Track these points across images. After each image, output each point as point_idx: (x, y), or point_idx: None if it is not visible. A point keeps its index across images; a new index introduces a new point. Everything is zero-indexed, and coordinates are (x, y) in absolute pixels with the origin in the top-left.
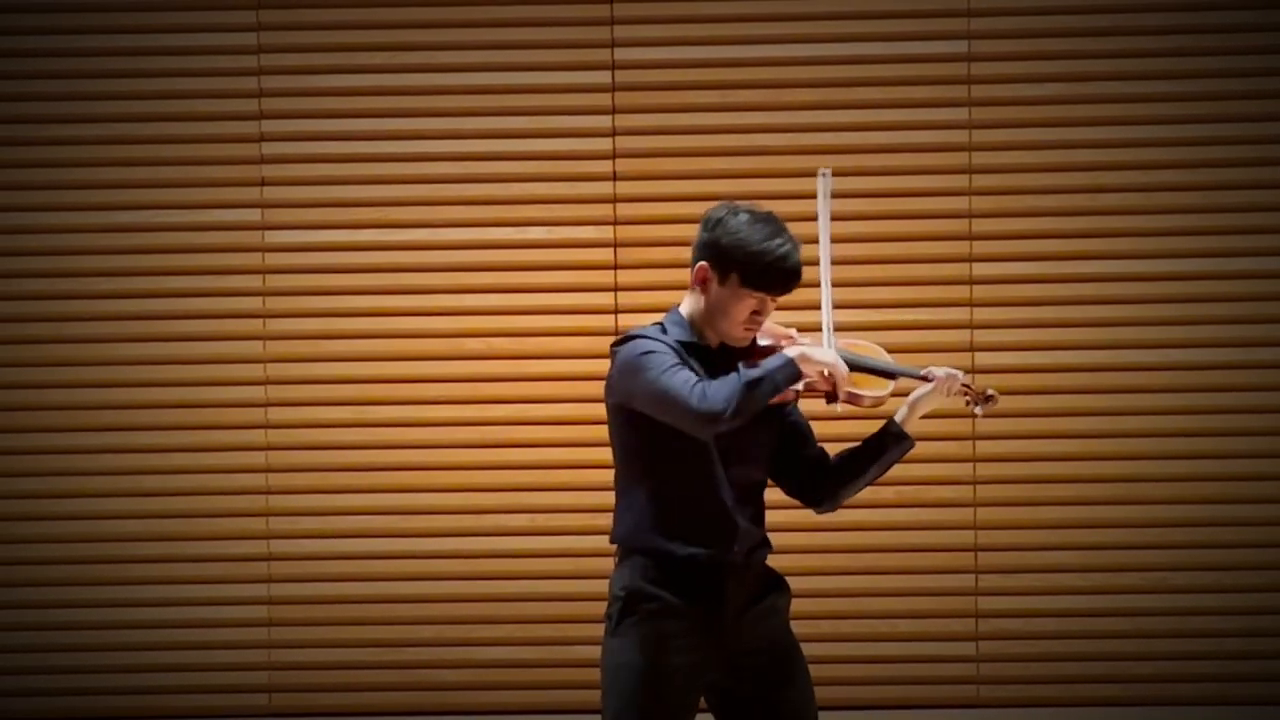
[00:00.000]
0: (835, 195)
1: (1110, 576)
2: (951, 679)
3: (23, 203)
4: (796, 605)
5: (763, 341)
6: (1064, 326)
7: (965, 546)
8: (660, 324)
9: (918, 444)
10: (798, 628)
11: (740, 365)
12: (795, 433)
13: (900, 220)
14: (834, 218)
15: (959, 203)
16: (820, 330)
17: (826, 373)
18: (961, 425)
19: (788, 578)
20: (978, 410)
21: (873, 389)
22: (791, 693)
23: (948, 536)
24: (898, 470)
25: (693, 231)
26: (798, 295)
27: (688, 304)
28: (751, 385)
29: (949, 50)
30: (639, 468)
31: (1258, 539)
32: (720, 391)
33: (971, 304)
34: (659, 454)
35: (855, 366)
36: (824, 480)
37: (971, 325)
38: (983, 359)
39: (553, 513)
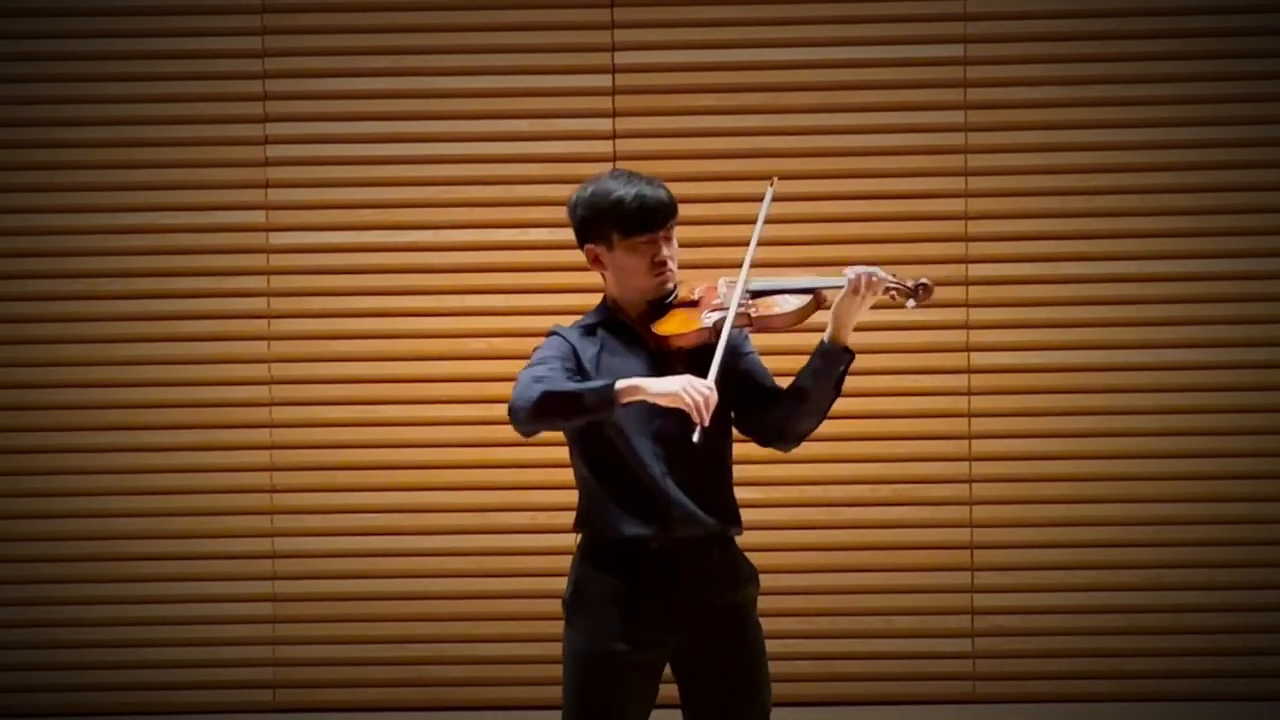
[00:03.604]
0: (835, 197)
1: (1104, 574)
2: (947, 675)
3: (29, 204)
4: (794, 602)
5: (685, 295)
6: (1060, 327)
7: (961, 544)
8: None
9: (914, 443)
10: (795, 624)
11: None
12: (749, 382)
13: (897, 222)
14: (833, 218)
15: (955, 204)
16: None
17: (690, 399)
18: (957, 425)
19: (784, 574)
20: (910, 304)
21: (783, 309)
22: (743, 686)
23: (943, 534)
24: (893, 469)
25: (691, 233)
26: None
27: (607, 287)
28: (552, 396)
29: (946, 54)
30: (576, 455)
31: (1250, 537)
32: (529, 392)
33: (968, 304)
34: (589, 438)
35: (765, 291)
36: (779, 419)
37: (968, 326)
38: (978, 359)
39: (554, 511)
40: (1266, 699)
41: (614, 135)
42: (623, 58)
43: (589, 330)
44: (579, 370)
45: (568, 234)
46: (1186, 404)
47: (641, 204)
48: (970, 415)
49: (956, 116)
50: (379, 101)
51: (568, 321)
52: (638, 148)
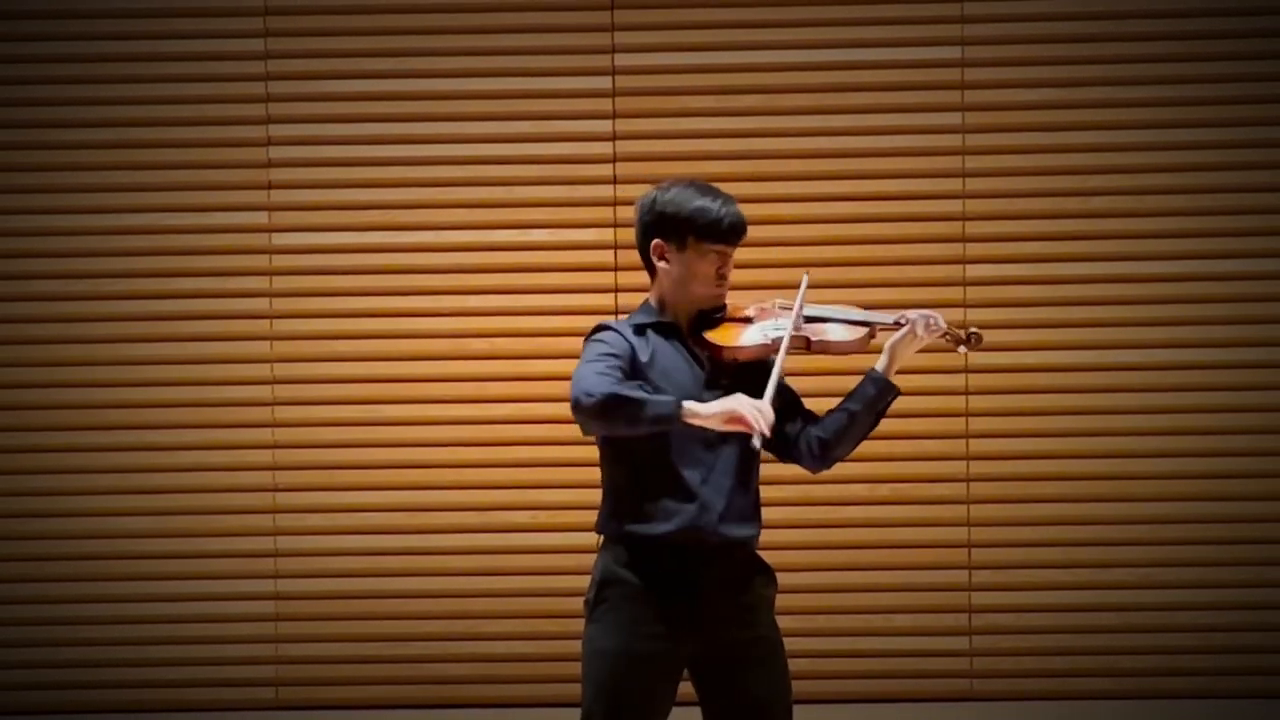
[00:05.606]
0: (833, 198)
1: (1100, 572)
2: (945, 673)
3: (31, 205)
4: (793, 600)
5: (735, 311)
6: (1057, 327)
7: (959, 543)
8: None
9: (913, 442)
10: (794, 622)
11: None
12: (786, 401)
13: (895, 222)
14: (831, 219)
15: (953, 205)
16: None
17: (747, 418)
18: (955, 424)
19: (783, 573)
20: (962, 350)
21: (843, 337)
22: (762, 686)
23: (941, 533)
24: (892, 468)
25: None
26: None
27: (654, 290)
28: (618, 398)
29: (943, 56)
30: (610, 453)
31: (1244, 536)
32: (597, 385)
33: (965, 305)
34: (626, 438)
35: (825, 319)
36: (815, 440)
37: (965, 326)
38: (976, 358)
39: (555, 509)
40: (1260, 696)
41: (614, 136)
42: (623, 59)
43: (639, 330)
44: (632, 370)
45: (568, 235)
46: (1182, 404)
47: (729, 217)
48: (968, 415)
49: (954, 118)
50: (381, 103)
51: (567, 320)
52: (638, 149)
